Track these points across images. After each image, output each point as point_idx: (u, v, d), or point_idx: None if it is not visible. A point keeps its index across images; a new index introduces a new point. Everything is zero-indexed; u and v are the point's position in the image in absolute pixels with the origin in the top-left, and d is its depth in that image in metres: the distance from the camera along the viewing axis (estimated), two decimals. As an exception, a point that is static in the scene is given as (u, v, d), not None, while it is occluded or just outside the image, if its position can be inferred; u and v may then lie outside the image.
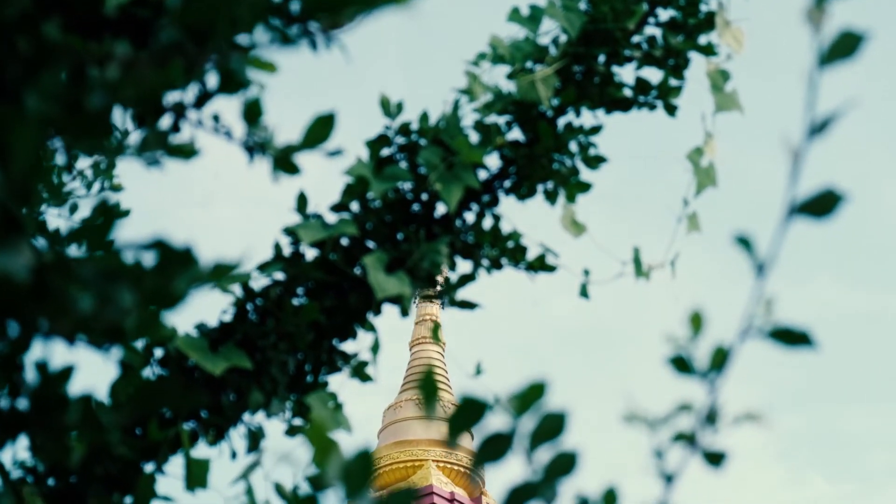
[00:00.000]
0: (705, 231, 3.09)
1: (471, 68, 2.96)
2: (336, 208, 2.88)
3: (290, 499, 2.43)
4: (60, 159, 3.66)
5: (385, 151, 2.92)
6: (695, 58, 3.12)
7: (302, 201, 2.83)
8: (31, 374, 1.67)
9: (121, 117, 1.98)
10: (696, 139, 3.12)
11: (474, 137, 2.93)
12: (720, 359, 1.46)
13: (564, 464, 1.43)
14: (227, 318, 2.83)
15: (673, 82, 3.12)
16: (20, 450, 2.51)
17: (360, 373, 2.94)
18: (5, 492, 2.49)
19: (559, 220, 3.06)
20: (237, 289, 2.83)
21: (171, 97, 2.10)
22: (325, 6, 1.91)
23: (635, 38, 3.06)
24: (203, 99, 2.09)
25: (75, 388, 1.74)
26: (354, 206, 2.88)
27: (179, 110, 2.10)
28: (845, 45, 1.41)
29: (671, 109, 3.13)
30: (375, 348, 2.92)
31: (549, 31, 3.00)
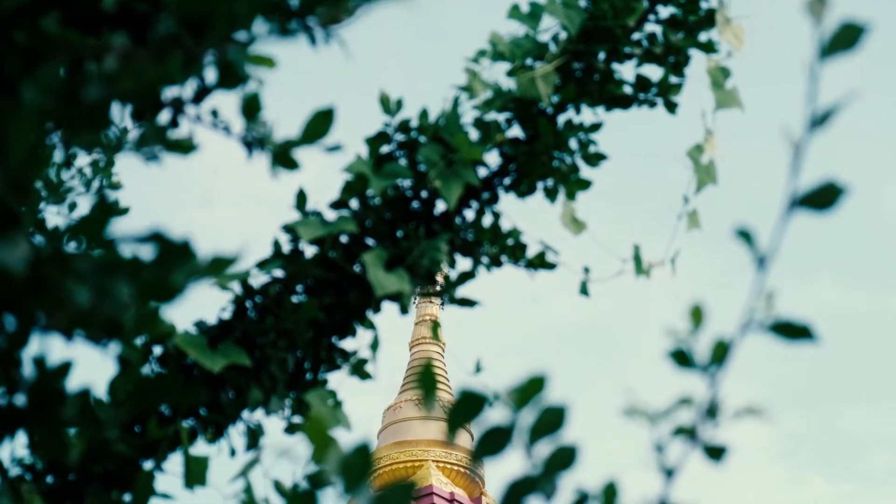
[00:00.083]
0: (706, 228, 3.08)
1: (471, 65, 2.96)
2: (335, 205, 2.87)
3: (290, 496, 2.42)
4: (59, 156, 3.66)
5: (385, 148, 2.91)
6: (695, 55, 3.11)
7: (301, 198, 2.82)
8: (28, 370, 1.67)
9: (119, 113, 1.98)
10: (696, 136, 3.12)
11: (474, 134, 2.93)
12: (721, 352, 1.46)
13: (564, 458, 1.43)
14: (227, 315, 2.82)
15: (673, 79, 3.11)
16: (18, 447, 2.51)
17: (359, 370, 2.93)
18: (3, 489, 2.49)
19: (559, 218, 3.05)
20: (236, 286, 2.82)
21: (170, 92, 2.10)
22: (324, 0, 1.90)
23: (635, 36, 3.05)
24: (202, 94, 2.08)
25: (73, 384, 1.73)
26: (354, 203, 2.88)
27: (178, 105, 2.10)
28: (846, 37, 1.40)
29: (671, 107, 3.13)
30: (375, 346, 2.91)
31: (549, 28, 3.00)
